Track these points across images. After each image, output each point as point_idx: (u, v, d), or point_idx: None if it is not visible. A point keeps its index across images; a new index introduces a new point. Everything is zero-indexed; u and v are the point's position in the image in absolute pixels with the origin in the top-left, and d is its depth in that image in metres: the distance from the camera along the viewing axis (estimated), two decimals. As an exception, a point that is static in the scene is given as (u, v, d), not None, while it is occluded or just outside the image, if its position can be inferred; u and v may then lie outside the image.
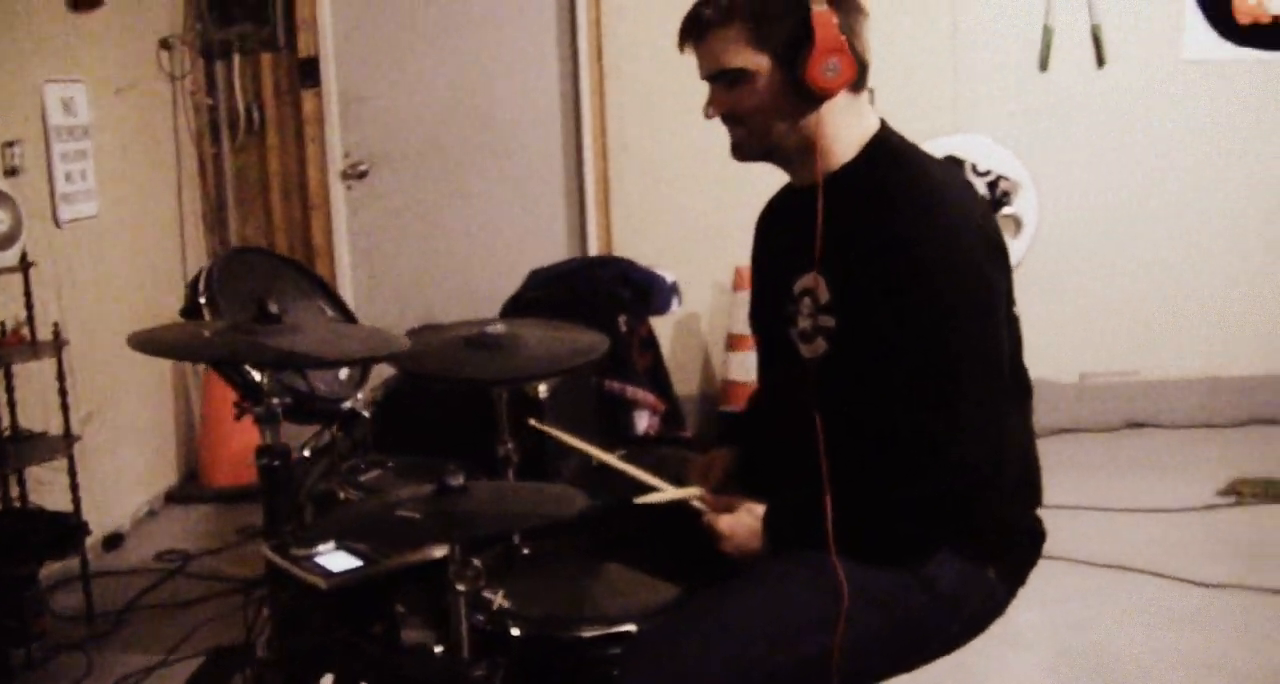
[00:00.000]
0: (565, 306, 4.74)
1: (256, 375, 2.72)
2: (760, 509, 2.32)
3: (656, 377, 5.29)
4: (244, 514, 5.43)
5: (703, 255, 6.10)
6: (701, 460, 2.70)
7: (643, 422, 4.96)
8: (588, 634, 2.22)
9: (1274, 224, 6.20)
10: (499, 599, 2.19)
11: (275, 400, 2.30)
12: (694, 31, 2.35)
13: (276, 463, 2.35)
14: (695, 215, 6.18)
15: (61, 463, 4.36)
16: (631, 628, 2.21)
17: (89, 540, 4.47)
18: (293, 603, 2.27)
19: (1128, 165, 6.12)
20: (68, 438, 4.36)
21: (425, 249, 6.30)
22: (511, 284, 5.44)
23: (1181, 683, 3.72)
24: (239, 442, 5.71)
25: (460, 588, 2.00)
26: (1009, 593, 2.41)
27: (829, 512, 2.17)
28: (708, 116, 2.39)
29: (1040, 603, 4.00)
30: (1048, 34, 5.99)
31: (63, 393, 4.36)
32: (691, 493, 2.48)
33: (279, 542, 2.28)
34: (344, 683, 2.38)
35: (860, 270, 2.22)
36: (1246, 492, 5.21)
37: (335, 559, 2.20)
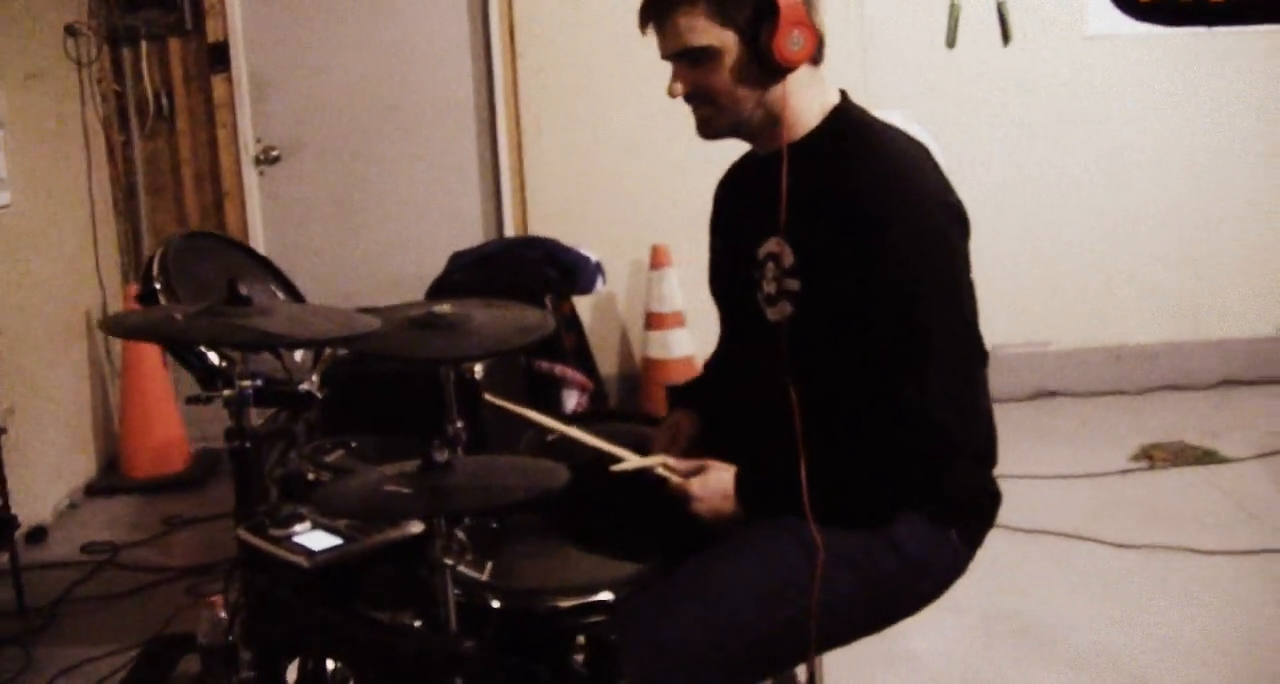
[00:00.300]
0: (492, 288, 4.76)
1: (215, 360, 2.72)
2: (730, 472, 2.36)
3: (582, 356, 5.33)
4: (167, 504, 5.42)
5: (619, 236, 6.14)
6: (665, 427, 2.72)
7: (571, 400, 5.01)
8: (565, 604, 2.25)
9: (1173, 194, 6.38)
10: (486, 572, 2.22)
11: (246, 383, 2.30)
12: (656, 11, 2.38)
13: (247, 445, 2.35)
14: (610, 196, 6.22)
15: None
16: (608, 597, 2.24)
17: (13, 535, 4.43)
18: (269, 585, 2.27)
19: (1034, 141, 6.26)
20: (-5, 431, 4.32)
21: (341, 234, 6.27)
22: (430, 267, 5.44)
23: (1101, 640, 3.83)
24: (160, 433, 5.69)
25: (448, 561, 2.02)
26: (969, 554, 2.48)
27: (804, 475, 2.22)
28: (672, 95, 2.40)
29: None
30: (954, 11, 6.09)
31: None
32: (657, 460, 2.51)
33: (254, 523, 2.28)
34: (321, 664, 2.42)
35: (825, 236, 2.27)
36: (1158, 456, 5.37)
37: (314, 538, 2.21)
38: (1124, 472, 5.27)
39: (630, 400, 6.23)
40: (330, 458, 2.84)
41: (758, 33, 2.28)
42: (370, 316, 2.36)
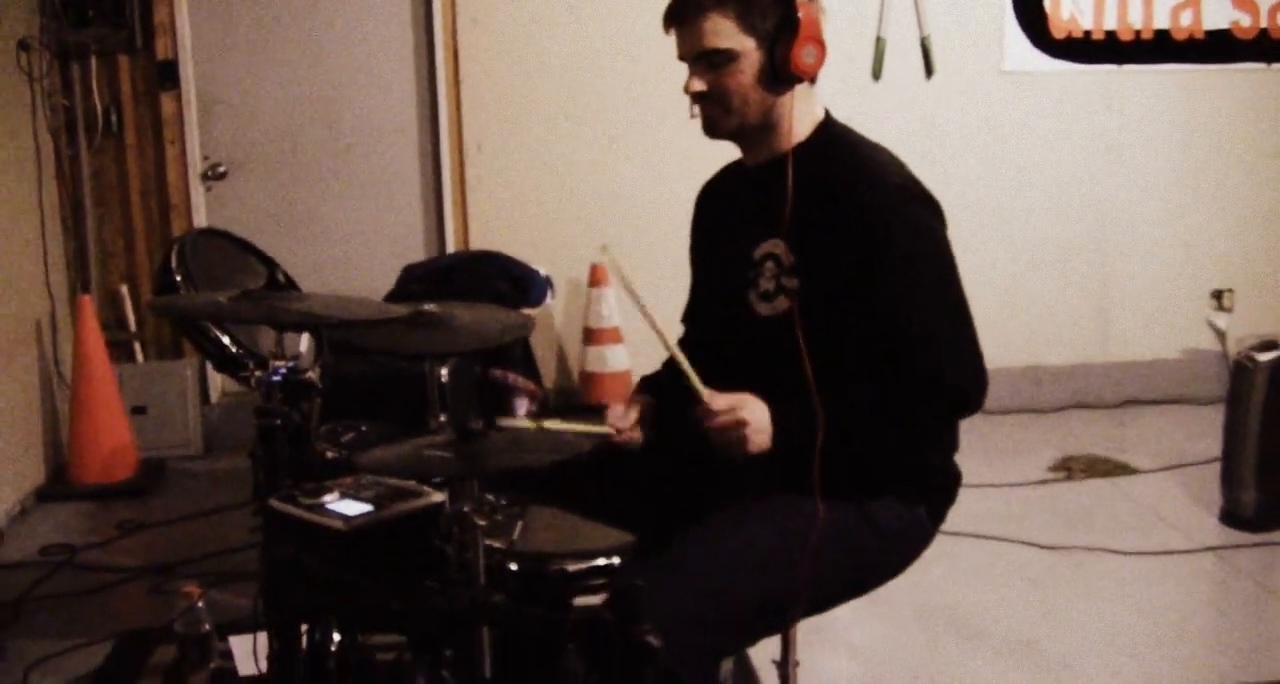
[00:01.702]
0: (447, 298, 4.91)
1: (232, 347, 2.90)
2: (765, 407, 2.49)
3: (529, 365, 5.52)
4: (120, 509, 5.51)
5: (558, 253, 6.33)
6: (620, 405, 2.88)
7: (522, 407, 5.19)
8: (574, 568, 2.45)
9: (1082, 224, 6.71)
10: (516, 533, 2.42)
11: (280, 363, 2.48)
12: (685, 12, 2.59)
13: (277, 422, 2.52)
14: (550, 214, 6.42)
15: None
16: (614, 561, 2.45)
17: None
18: (294, 554, 2.43)
19: (952, 171, 6.50)
20: (-40, 435, 4.42)
21: (287, 249, 6.34)
22: (378, 281, 5.61)
23: (1024, 631, 4.11)
24: (109, 441, 5.78)
25: (480, 522, 2.21)
26: (934, 529, 2.73)
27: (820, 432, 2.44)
28: (687, 91, 2.62)
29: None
30: (880, 45, 6.38)
31: (-51, 391, 4.42)
32: (605, 429, 2.70)
33: (285, 494, 2.45)
34: (329, 635, 2.58)
35: (825, 235, 2.51)
36: (1075, 467, 5.67)
37: (346, 505, 2.38)
38: (1044, 481, 5.57)
39: (569, 412, 6.42)
40: (345, 438, 3.02)
41: (776, 43, 2.51)
42: (398, 307, 2.55)
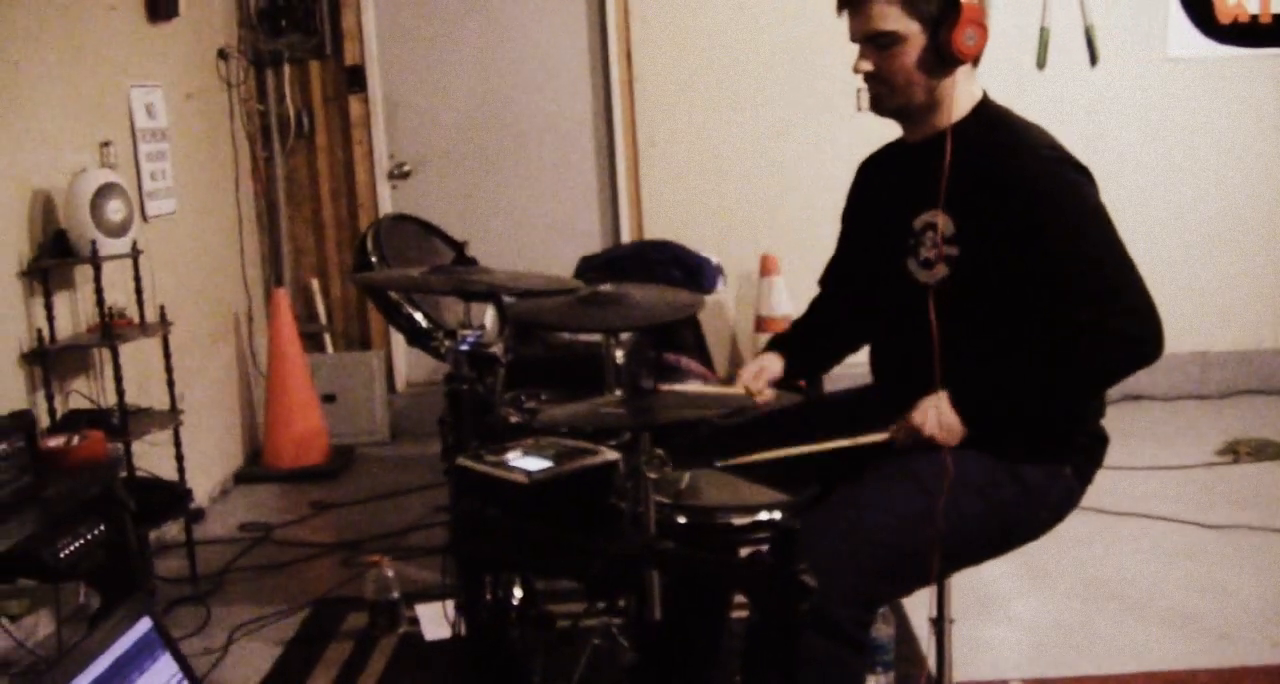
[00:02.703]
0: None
1: (422, 322, 3.13)
2: (939, 399, 2.66)
3: (702, 352, 5.69)
4: (311, 491, 5.84)
5: (729, 246, 6.50)
6: (753, 363, 3.09)
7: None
8: (738, 522, 2.63)
9: (1257, 204, 6.69)
10: (684, 481, 2.60)
11: (468, 332, 2.69)
12: None
13: (464, 387, 2.73)
14: (721, 208, 6.62)
15: (156, 436, 4.75)
16: (777, 515, 2.61)
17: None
18: (480, 506, 2.64)
19: (1121, 158, 6.54)
20: (174, 412, 4.74)
21: (470, 242, 6.67)
22: (555, 271, 5.80)
23: (1185, 605, 4.17)
24: (301, 427, 6.09)
25: (651, 475, 2.39)
26: (1081, 489, 2.84)
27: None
28: (856, 71, 2.77)
29: (1066, 544, 4.48)
30: (1044, 35, 6.44)
31: (169, 370, 4.73)
32: (739, 388, 2.91)
33: (471, 453, 2.66)
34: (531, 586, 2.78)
35: (985, 205, 2.66)
36: (1243, 451, 5.68)
37: (528, 461, 2.58)
38: (1210, 464, 5.59)
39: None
40: (528, 405, 3.23)
41: (939, 26, 2.67)
42: (575, 280, 2.74)
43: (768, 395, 2.93)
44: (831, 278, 3.22)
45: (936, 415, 2.64)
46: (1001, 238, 2.65)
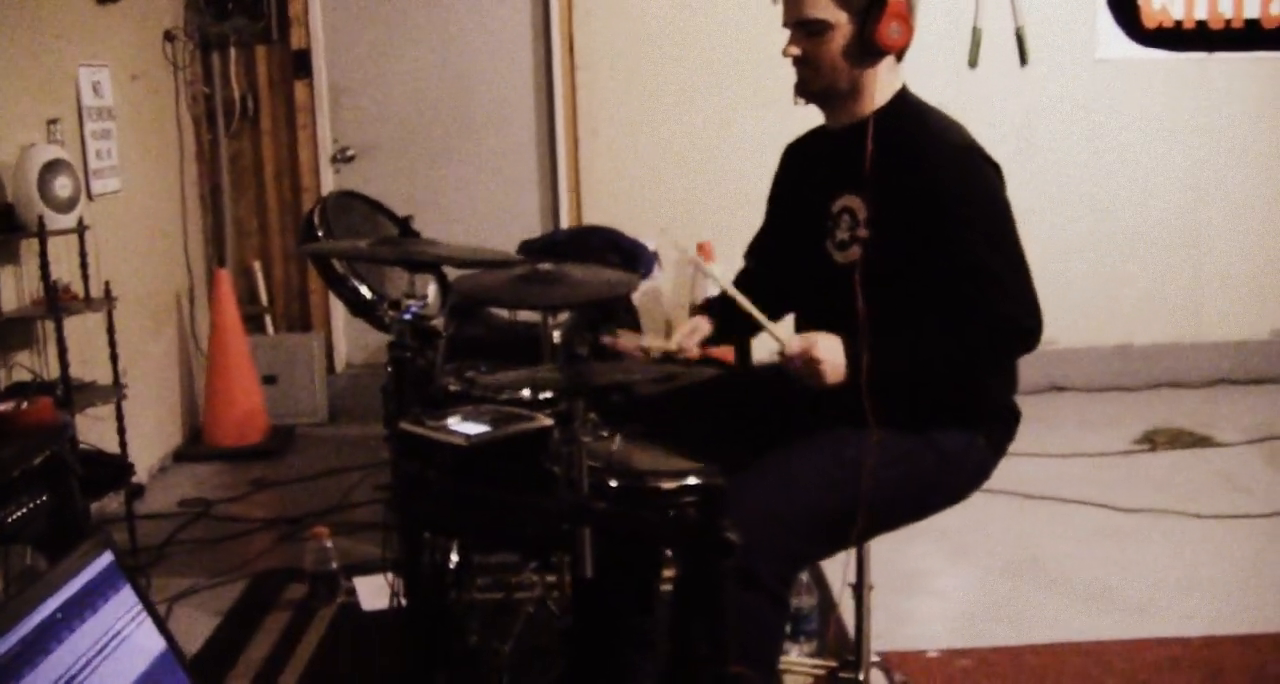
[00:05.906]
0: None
1: (366, 294, 3.23)
2: (837, 340, 2.77)
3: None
4: (251, 469, 5.92)
5: (666, 233, 6.59)
6: (687, 324, 3.27)
7: (629, 374, 5.47)
8: (666, 485, 2.74)
9: (1174, 206, 6.88)
10: (616, 444, 2.72)
11: (412, 302, 2.80)
12: None
13: (407, 355, 2.84)
14: (659, 196, 6.73)
15: (99, 410, 4.82)
16: (699, 481, 2.74)
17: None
18: (420, 469, 2.75)
19: (1046, 157, 6.73)
20: (117, 386, 4.81)
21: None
22: (497, 259, 5.92)
23: (1103, 580, 4.36)
24: (242, 406, 6.17)
25: (586, 439, 2.52)
26: (995, 459, 2.99)
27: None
28: (785, 54, 2.91)
29: (989, 524, 4.66)
30: (977, 34, 6.61)
31: (112, 345, 4.80)
32: (673, 343, 3.12)
33: (412, 417, 2.77)
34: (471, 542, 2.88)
35: (897, 190, 2.80)
36: (1159, 440, 5.87)
37: (467, 426, 2.70)
38: (1127, 452, 5.78)
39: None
40: (468, 375, 3.34)
41: (866, 18, 2.81)
42: (520, 256, 2.85)
43: (694, 352, 3.09)
44: (756, 253, 3.37)
45: (829, 343, 2.74)
46: (908, 222, 2.79)
